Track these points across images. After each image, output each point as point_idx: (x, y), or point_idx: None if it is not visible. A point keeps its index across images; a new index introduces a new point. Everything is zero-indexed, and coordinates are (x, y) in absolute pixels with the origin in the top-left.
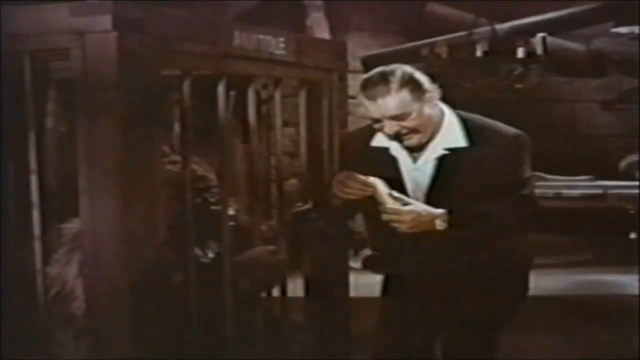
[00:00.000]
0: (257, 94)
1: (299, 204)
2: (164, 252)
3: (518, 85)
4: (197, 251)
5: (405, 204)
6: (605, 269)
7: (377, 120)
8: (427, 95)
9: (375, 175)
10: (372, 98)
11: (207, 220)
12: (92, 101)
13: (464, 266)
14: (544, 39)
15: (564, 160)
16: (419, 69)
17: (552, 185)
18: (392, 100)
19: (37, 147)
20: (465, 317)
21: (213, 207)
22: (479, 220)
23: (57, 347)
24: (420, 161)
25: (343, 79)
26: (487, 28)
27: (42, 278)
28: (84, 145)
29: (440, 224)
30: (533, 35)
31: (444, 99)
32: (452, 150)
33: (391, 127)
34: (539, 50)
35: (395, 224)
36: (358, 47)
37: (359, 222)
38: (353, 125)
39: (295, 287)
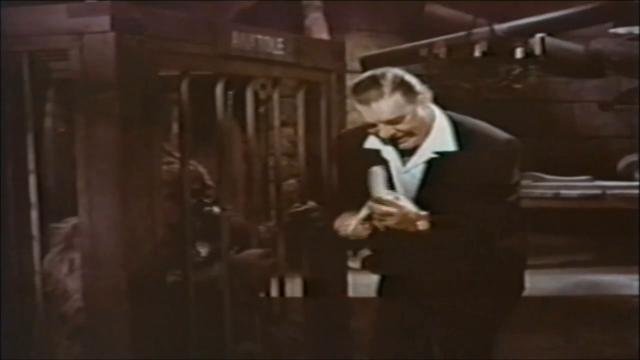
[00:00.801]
0: (256, 94)
1: (297, 204)
2: (162, 252)
3: (517, 86)
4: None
5: (397, 199)
6: (604, 269)
7: (372, 125)
8: (420, 97)
9: (364, 177)
10: (366, 103)
11: (201, 220)
12: (90, 101)
13: (459, 267)
14: (542, 39)
15: (562, 161)
16: (409, 70)
17: (551, 186)
18: (386, 104)
19: (35, 147)
20: (462, 317)
21: (207, 208)
22: (462, 225)
23: (52, 346)
24: (409, 164)
25: (341, 80)
26: (486, 28)
27: (40, 278)
28: (82, 145)
29: (422, 224)
30: (532, 35)
31: (443, 99)
32: (442, 154)
33: (386, 131)
34: (538, 50)
35: (384, 217)
36: (357, 48)
37: None
38: (352, 125)
39: (294, 288)
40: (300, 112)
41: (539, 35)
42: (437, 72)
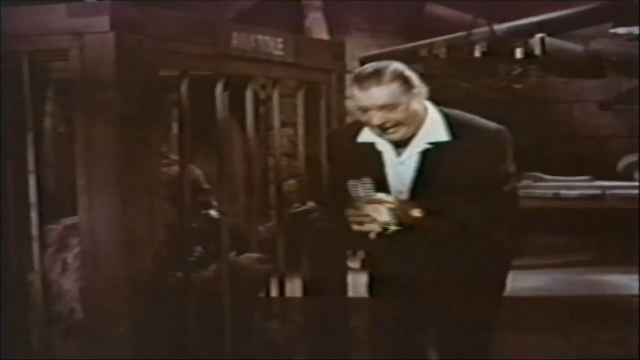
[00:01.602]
0: (256, 94)
1: (297, 204)
2: (162, 252)
3: (517, 86)
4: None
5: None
6: (604, 269)
7: (365, 110)
8: (416, 90)
9: (360, 170)
10: (365, 88)
11: (199, 223)
12: (90, 102)
13: (457, 264)
14: (542, 39)
15: (562, 161)
16: (414, 69)
17: (551, 186)
18: (383, 91)
19: (35, 147)
20: (459, 316)
21: (204, 212)
22: (458, 215)
23: (50, 347)
24: (404, 155)
25: (341, 80)
26: (486, 29)
27: (41, 278)
28: (82, 145)
29: (418, 212)
30: (532, 36)
31: (443, 99)
32: (436, 146)
33: (379, 117)
34: (538, 51)
35: (372, 218)
36: (357, 48)
37: None
38: None
39: (294, 288)
40: (301, 112)
41: (539, 36)
42: (437, 72)
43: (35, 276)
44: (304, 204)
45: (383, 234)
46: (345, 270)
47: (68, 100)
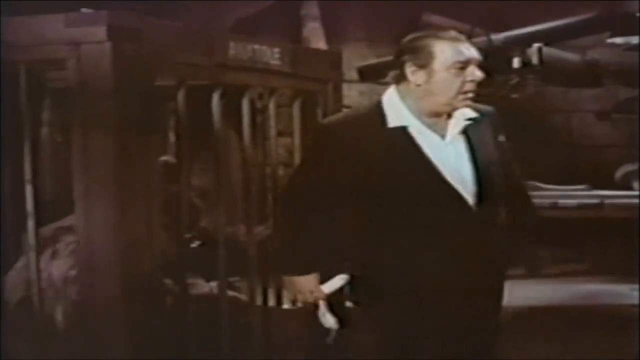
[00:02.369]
0: (252, 103)
1: None
2: (159, 261)
3: (514, 95)
4: None
5: None
6: (603, 278)
7: (464, 66)
8: None
9: (395, 159)
10: (457, 40)
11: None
12: (87, 111)
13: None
14: (539, 49)
15: (560, 170)
16: None
17: (549, 195)
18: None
19: (32, 156)
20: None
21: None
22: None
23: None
24: (448, 137)
25: (338, 89)
26: (483, 38)
27: (37, 285)
28: (79, 154)
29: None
30: (529, 45)
31: None
32: (472, 122)
33: (476, 73)
34: (535, 60)
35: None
36: (354, 57)
37: None
38: None
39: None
40: (297, 121)
41: (536, 45)
42: None
43: (35, 284)
44: None
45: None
46: None
47: (65, 109)
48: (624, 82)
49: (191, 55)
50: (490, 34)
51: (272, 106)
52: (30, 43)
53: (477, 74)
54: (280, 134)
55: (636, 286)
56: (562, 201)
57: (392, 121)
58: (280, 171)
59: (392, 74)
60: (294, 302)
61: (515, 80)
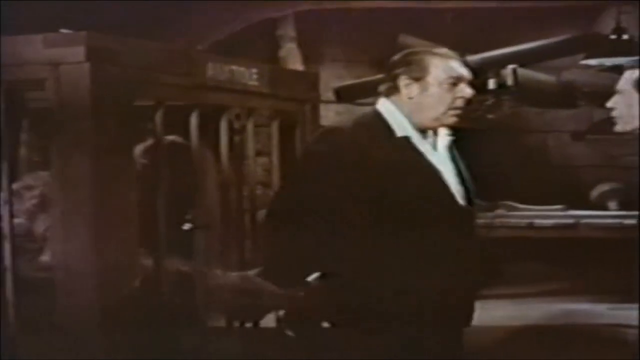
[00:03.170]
0: (230, 124)
1: None
2: (137, 282)
3: (490, 116)
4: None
5: None
6: (579, 298)
7: (457, 82)
8: None
9: (407, 168)
10: (450, 57)
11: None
12: (66, 131)
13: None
14: (514, 70)
15: (536, 190)
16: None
17: (524, 215)
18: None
19: (10, 177)
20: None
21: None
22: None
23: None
24: (440, 149)
25: (316, 110)
26: (459, 59)
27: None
28: (57, 175)
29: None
30: (504, 66)
31: None
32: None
33: (466, 90)
34: (510, 81)
35: None
36: (331, 78)
37: None
38: None
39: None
40: (275, 141)
41: (511, 67)
42: None
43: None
44: None
45: None
46: None
47: (44, 129)
48: (599, 103)
49: (169, 75)
50: (466, 56)
51: (250, 126)
52: (9, 63)
53: (468, 91)
54: (258, 154)
55: (613, 305)
56: (538, 221)
57: (399, 131)
58: (259, 191)
59: (382, 86)
60: None
61: (490, 101)
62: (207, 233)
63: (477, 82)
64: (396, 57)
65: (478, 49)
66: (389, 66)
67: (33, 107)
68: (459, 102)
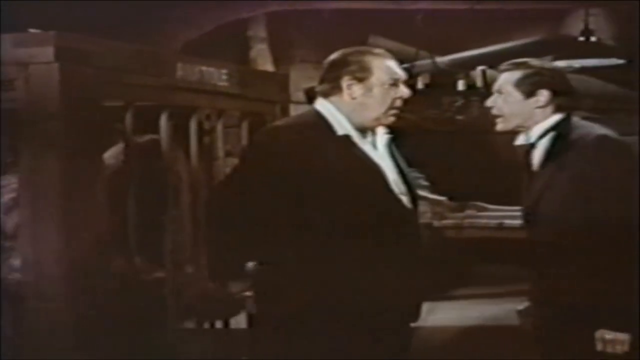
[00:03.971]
0: (200, 124)
1: None
2: (109, 284)
3: (459, 117)
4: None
5: None
6: None
7: (396, 83)
8: None
9: (348, 166)
10: (389, 57)
11: None
12: (35, 132)
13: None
14: (484, 71)
15: (505, 191)
16: None
17: (494, 216)
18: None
19: None
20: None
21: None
22: None
23: None
24: (380, 148)
25: (285, 110)
26: (428, 61)
27: None
28: (26, 176)
29: None
30: (473, 68)
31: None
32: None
33: (405, 90)
34: (479, 82)
35: None
36: (301, 79)
37: None
38: None
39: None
40: (245, 142)
41: (480, 68)
42: None
43: None
44: None
45: None
46: None
47: (13, 129)
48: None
49: (139, 76)
50: (435, 57)
51: (219, 127)
52: None
53: (406, 91)
54: (228, 154)
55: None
56: (507, 221)
57: (340, 130)
58: None
59: (322, 87)
60: None
61: (460, 102)
62: (177, 234)
63: (447, 83)
64: (334, 57)
65: (447, 50)
66: (328, 66)
67: (4, 107)
68: (398, 102)
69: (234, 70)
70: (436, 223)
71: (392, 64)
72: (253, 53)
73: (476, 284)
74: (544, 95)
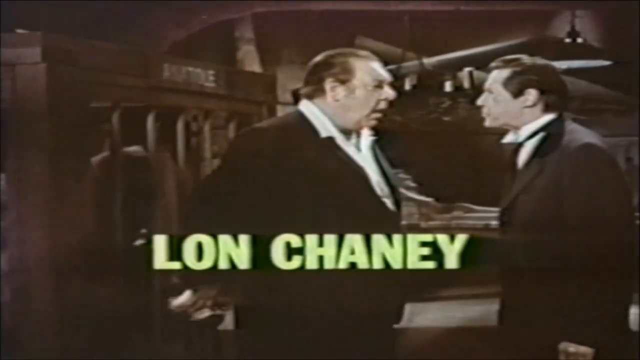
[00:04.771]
0: (187, 126)
1: None
2: (93, 285)
3: (446, 118)
4: None
5: None
6: None
7: (381, 85)
8: None
9: (332, 168)
10: (373, 59)
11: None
12: (22, 133)
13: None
14: (470, 73)
15: (492, 192)
16: None
17: (481, 217)
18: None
19: None
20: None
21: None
22: None
23: None
24: (363, 150)
25: (272, 111)
26: (415, 62)
27: None
28: (13, 177)
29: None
30: (460, 69)
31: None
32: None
33: (390, 92)
34: (466, 84)
35: None
36: (289, 80)
37: None
38: None
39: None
40: None
41: (467, 69)
42: None
43: None
44: None
45: None
46: None
47: (2, 131)
48: None
49: (126, 77)
50: (422, 58)
51: (207, 128)
52: None
53: (391, 93)
54: (215, 155)
55: None
56: (494, 222)
57: (323, 132)
58: None
59: (306, 89)
60: None
61: (447, 103)
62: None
63: (434, 85)
64: (318, 59)
65: (434, 51)
66: (311, 68)
67: None
68: (383, 105)
69: (221, 71)
70: (423, 224)
71: (376, 65)
72: (240, 54)
73: (459, 284)
74: (532, 94)
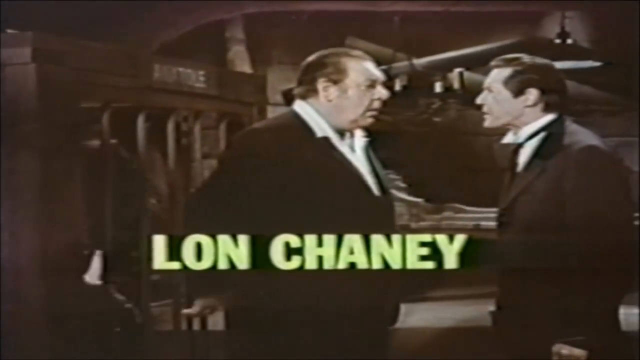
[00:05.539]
0: (177, 126)
1: None
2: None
3: (436, 119)
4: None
5: None
6: None
7: (374, 84)
8: None
9: (328, 169)
10: (366, 58)
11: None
12: (12, 133)
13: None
14: (461, 74)
15: (482, 192)
16: None
17: (471, 217)
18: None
19: None
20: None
21: None
22: None
23: None
24: (357, 151)
25: (263, 112)
26: (406, 63)
27: None
28: (4, 177)
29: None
30: (450, 70)
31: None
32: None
33: (383, 91)
34: (457, 85)
35: None
36: (279, 81)
37: None
38: None
39: (216, 320)
40: (222, 144)
41: (457, 70)
42: None
43: None
44: None
45: None
46: None
47: None
48: None
49: (116, 77)
50: (413, 59)
51: (197, 129)
52: None
53: (384, 92)
54: (205, 156)
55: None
56: (484, 223)
57: (319, 132)
58: None
59: (299, 89)
60: None
61: (437, 104)
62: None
63: (424, 85)
64: (310, 59)
65: (425, 52)
66: (304, 68)
67: None
68: (376, 104)
69: (211, 72)
70: (413, 225)
71: (369, 65)
72: (231, 54)
73: (454, 285)
74: (532, 94)
